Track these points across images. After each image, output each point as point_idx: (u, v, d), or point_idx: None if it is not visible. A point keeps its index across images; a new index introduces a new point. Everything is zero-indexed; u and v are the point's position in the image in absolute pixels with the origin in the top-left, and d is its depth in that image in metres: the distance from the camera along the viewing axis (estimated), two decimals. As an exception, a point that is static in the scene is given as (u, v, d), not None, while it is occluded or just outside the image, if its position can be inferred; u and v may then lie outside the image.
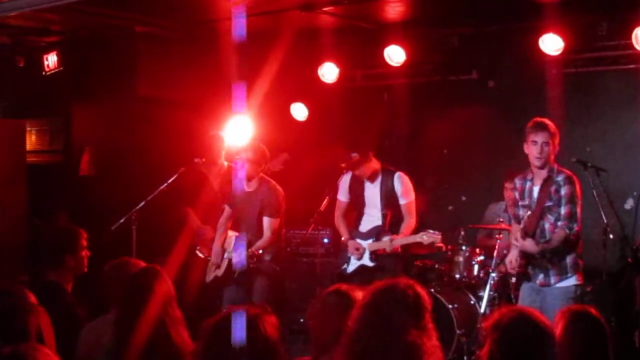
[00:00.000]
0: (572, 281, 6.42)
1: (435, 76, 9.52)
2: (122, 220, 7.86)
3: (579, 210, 6.41)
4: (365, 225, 7.75)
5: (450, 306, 7.83)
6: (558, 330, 3.88)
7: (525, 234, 6.46)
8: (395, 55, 9.05)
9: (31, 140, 10.48)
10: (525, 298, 6.57)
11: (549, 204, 6.42)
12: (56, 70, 9.83)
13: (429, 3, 8.22)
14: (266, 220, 7.63)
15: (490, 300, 7.81)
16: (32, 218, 9.64)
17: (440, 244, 7.54)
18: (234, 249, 7.56)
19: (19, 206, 9.54)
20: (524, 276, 6.61)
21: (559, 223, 6.36)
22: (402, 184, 7.65)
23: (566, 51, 8.16)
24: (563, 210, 6.36)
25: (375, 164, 7.69)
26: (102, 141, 9.99)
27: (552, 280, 6.43)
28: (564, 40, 8.01)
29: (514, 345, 3.49)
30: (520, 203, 6.68)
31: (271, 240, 7.54)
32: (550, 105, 8.32)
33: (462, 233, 8.48)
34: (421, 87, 9.65)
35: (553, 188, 6.40)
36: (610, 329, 4.14)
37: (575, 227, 6.35)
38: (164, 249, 8.06)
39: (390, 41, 9.00)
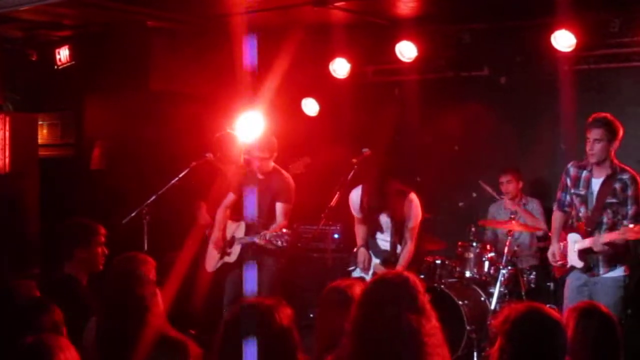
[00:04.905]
0: (620, 272, 6.59)
1: (447, 72, 9.51)
2: (133, 214, 7.88)
3: None
4: (379, 238, 7.59)
5: (460, 302, 7.83)
6: (569, 327, 3.89)
7: (586, 230, 6.58)
8: (406, 51, 9.03)
9: (43, 134, 10.51)
10: (573, 288, 6.71)
11: (611, 200, 6.50)
12: (68, 64, 9.86)
13: (441, -1, 8.22)
14: (280, 206, 7.63)
15: (501, 297, 7.83)
16: (43, 211, 9.66)
17: None
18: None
19: (30, 199, 9.56)
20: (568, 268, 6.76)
21: (625, 222, 6.46)
22: (412, 208, 7.34)
23: (578, 48, 8.12)
24: (631, 210, 6.47)
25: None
26: (113, 135, 10.01)
27: (602, 270, 6.57)
28: (577, 36, 7.98)
29: (525, 338, 3.51)
30: (573, 191, 6.74)
31: (285, 226, 7.52)
32: (562, 102, 8.31)
33: (473, 229, 8.49)
34: (432, 83, 9.64)
35: (618, 186, 6.48)
36: (621, 326, 4.14)
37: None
38: (175, 243, 8.09)
39: (402, 37, 8.99)
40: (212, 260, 8.05)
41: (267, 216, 7.67)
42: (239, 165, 8.26)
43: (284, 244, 7.27)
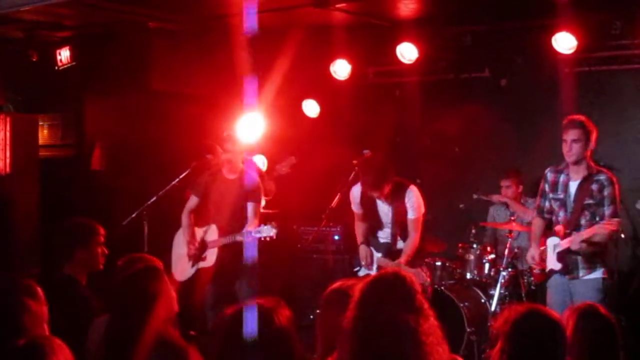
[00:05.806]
0: (599, 274, 6.58)
1: (448, 74, 9.51)
2: (133, 215, 7.88)
3: (618, 209, 6.55)
4: (380, 235, 7.56)
5: (460, 304, 7.83)
6: (568, 327, 3.89)
7: (565, 233, 6.58)
8: (407, 52, 9.02)
9: (43, 135, 10.49)
10: (555, 292, 6.73)
11: (588, 201, 6.52)
12: (69, 65, 9.83)
13: (442, 0, 8.21)
14: (251, 206, 7.57)
15: (501, 299, 7.83)
16: (43, 212, 9.66)
17: (427, 287, 7.31)
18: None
19: (30, 200, 9.56)
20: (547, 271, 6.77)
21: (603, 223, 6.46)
22: (413, 199, 7.25)
23: (579, 50, 8.12)
24: (608, 211, 6.48)
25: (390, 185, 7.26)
26: (114, 136, 10.00)
27: (581, 273, 6.57)
28: (577, 38, 7.98)
29: (525, 340, 3.52)
30: (551, 195, 6.76)
31: (258, 226, 7.46)
32: (563, 104, 8.31)
33: (473, 231, 8.50)
34: (433, 85, 9.65)
35: (595, 187, 6.51)
36: (620, 327, 4.14)
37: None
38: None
39: (403, 38, 8.98)
40: (183, 269, 7.84)
41: (240, 217, 7.59)
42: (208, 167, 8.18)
43: (274, 236, 7.20)
